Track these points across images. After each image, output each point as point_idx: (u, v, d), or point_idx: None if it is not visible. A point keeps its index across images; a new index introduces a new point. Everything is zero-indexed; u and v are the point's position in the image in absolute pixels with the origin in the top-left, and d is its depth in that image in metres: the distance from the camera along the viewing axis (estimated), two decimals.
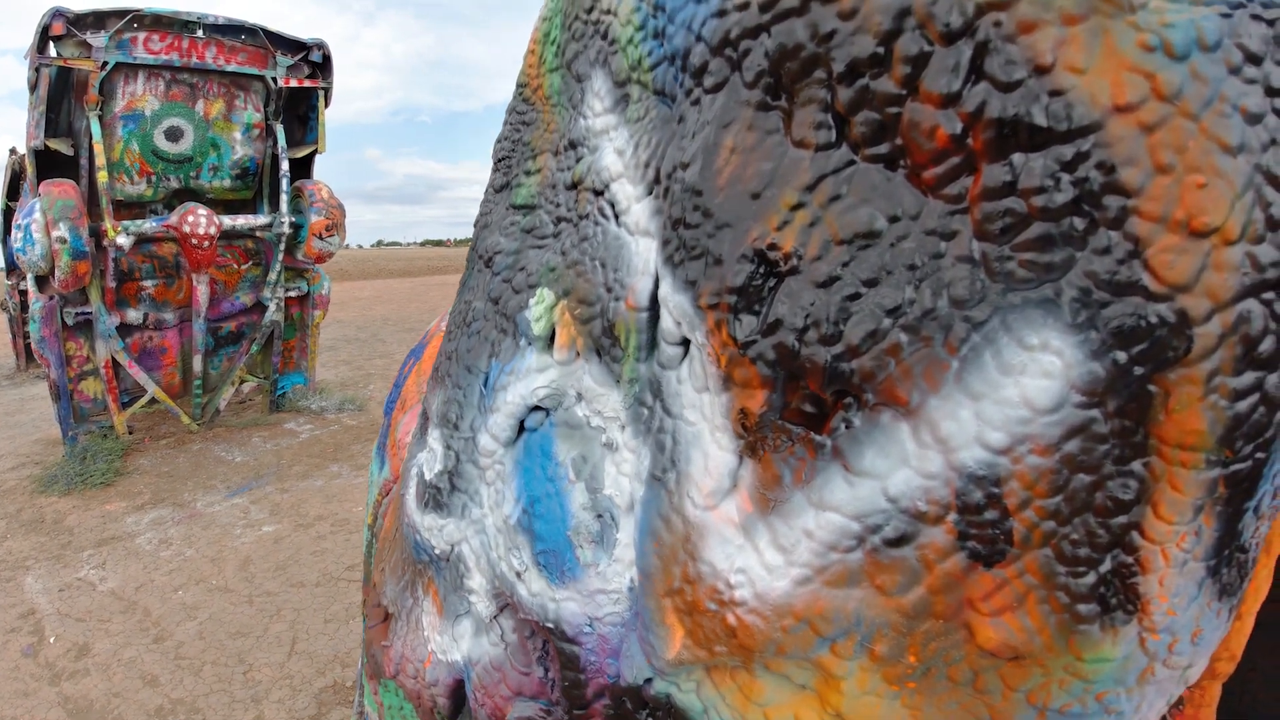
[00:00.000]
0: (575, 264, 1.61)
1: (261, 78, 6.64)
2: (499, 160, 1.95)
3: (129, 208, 6.42)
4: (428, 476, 2.01)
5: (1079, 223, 0.96)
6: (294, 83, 6.73)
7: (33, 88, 5.59)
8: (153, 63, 6.10)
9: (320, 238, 6.61)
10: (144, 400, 6.41)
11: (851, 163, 1.09)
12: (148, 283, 6.45)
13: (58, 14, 5.68)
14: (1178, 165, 0.91)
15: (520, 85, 1.91)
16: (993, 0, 0.91)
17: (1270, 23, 0.87)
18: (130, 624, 4.47)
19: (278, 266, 6.72)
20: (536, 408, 1.72)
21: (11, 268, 7.51)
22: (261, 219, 6.56)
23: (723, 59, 1.22)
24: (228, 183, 6.72)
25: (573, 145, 1.68)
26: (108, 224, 5.98)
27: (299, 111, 7.04)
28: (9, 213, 8.24)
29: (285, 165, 6.60)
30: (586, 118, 1.61)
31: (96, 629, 4.42)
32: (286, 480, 6.02)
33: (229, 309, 6.79)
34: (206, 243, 6.14)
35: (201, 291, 6.26)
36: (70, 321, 5.99)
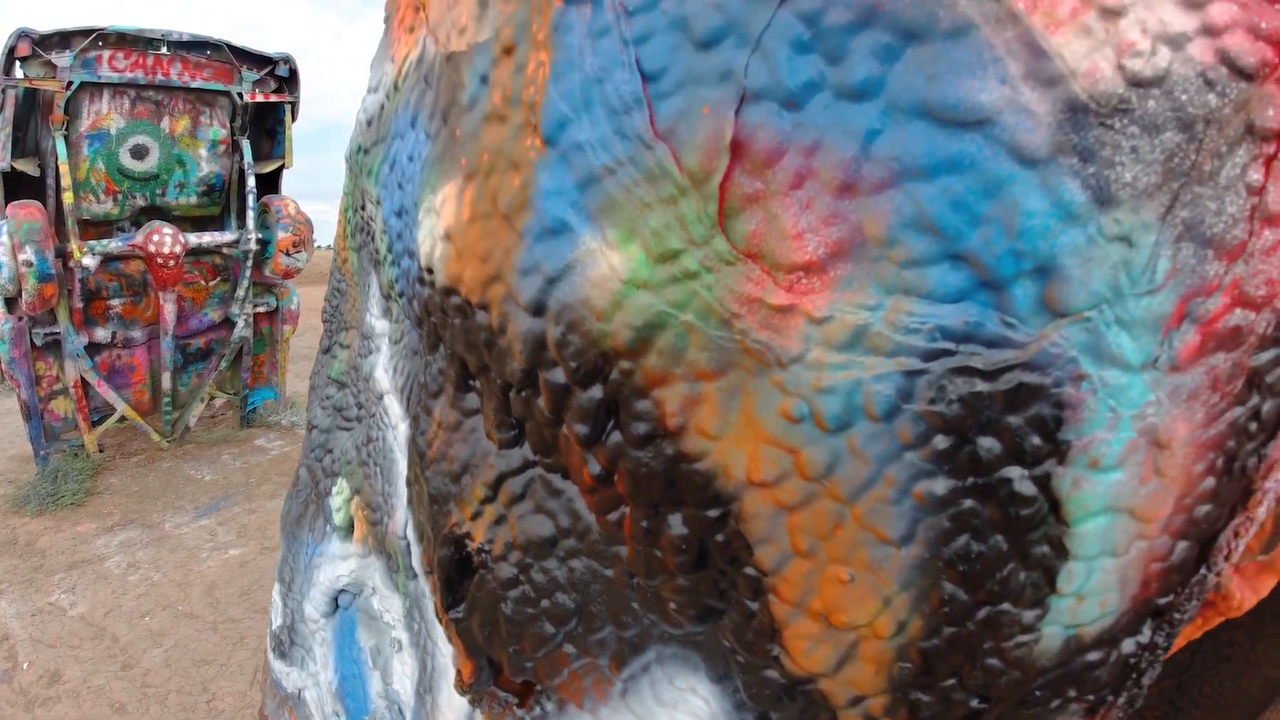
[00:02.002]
0: (364, 464, 1.63)
1: (227, 93, 6.62)
2: (325, 320, 1.96)
3: (95, 226, 6.47)
4: (273, 626, 2.06)
5: (721, 583, 0.95)
6: (260, 97, 6.70)
7: None
8: (117, 81, 6.11)
9: (287, 254, 6.64)
10: (114, 418, 6.53)
11: (532, 465, 1.09)
12: (115, 301, 6.53)
13: (23, 35, 5.68)
14: (820, 552, 0.85)
15: (336, 249, 1.91)
16: (620, 347, 0.89)
17: (986, 374, 0.74)
18: (99, 651, 4.61)
19: (245, 283, 6.76)
20: (344, 589, 1.75)
21: None
22: (228, 236, 6.59)
23: (428, 327, 1.22)
24: (194, 199, 6.74)
25: (365, 337, 1.69)
26: (74, 245, 6.03)
27: (266, 126, 7.03)
28: None
29: (251, 181, 6.61)
30: (372, 314, 1.62)
31: (67, 655, 4.56)
32: (254, 500, 6.13)
33: (197, 325, 6.85)
34: (172, 261, 6.19)
35: (169, 309, 6.33)
36: (39, 342, 6.09)
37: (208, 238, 6.47)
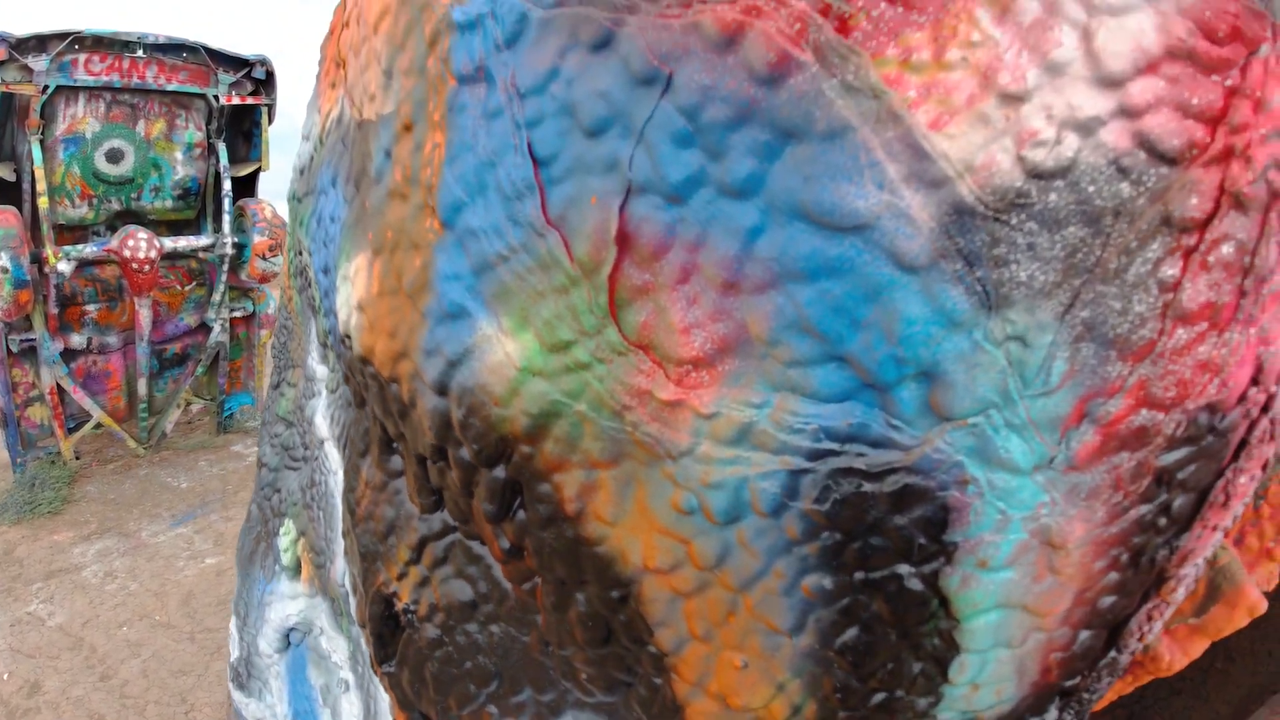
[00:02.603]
0: (308, 507, 1.62)
1: (203, 96, 6.56)
2: (274, 356, 1.94)
3: (71, 231, 6.41)
4: (232, 657, 2.06)
5: (627, 658, 0.95)
6: (236, 100, 6.64)
7: None
8: (93, 84, 6.05)
9: (263, 258, 6.59)
10: (90, 425, 6.48)
11: (453, 530, 1.09)
12: (91, 307, 6.47)
13: (0, 40, 5.62)
14: (715, 638, 0.86)
15: (283, 286, 1.89)
16: (518, 433, 0.88)
17: (870, 475, 0.74)
18: (77, 661, 4.59)
19: (221, 287, 6.71)
20: (294, 628, 1.75)
21: None
22: (203, 240, 6.54)
23: (353, 385, 1.21)
24: (170, 203, 6.68)
25: (308, 379, 1.67)
26: (49, 250, 5.98)
27: (243, 128, 6.97)
28: None
29: (227, 185, 6.55)
30: (313, 357, 1.60)
31: (46, 665, 4.54)
32: (231, 508, 6.11)
33: (173, 331, 6.80)
34: (147, 266, 6.14)
35: (144, 315, 6.28)
36: (15, 349, 6.04)
37: (183, 242, 6.42)
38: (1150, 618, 0.86)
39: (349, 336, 1.05)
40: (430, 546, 1.11)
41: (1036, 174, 0.64)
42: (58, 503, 6.04)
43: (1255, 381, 0.72)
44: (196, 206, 6.88)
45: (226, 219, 6.57)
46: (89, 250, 6.10)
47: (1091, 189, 0.64)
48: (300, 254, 1.56)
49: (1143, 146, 0.63)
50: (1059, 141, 0.63)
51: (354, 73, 1.07)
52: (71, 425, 6.51)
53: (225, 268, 6.65)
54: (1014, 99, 0.63)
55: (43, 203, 5.97)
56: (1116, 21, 0.62)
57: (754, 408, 0.73)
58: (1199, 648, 1.03)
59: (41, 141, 6.01)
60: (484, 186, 0.82)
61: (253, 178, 7.03)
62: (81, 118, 6.25)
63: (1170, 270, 0.66)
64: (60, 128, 6.18)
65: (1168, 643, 1.02)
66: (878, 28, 0.65)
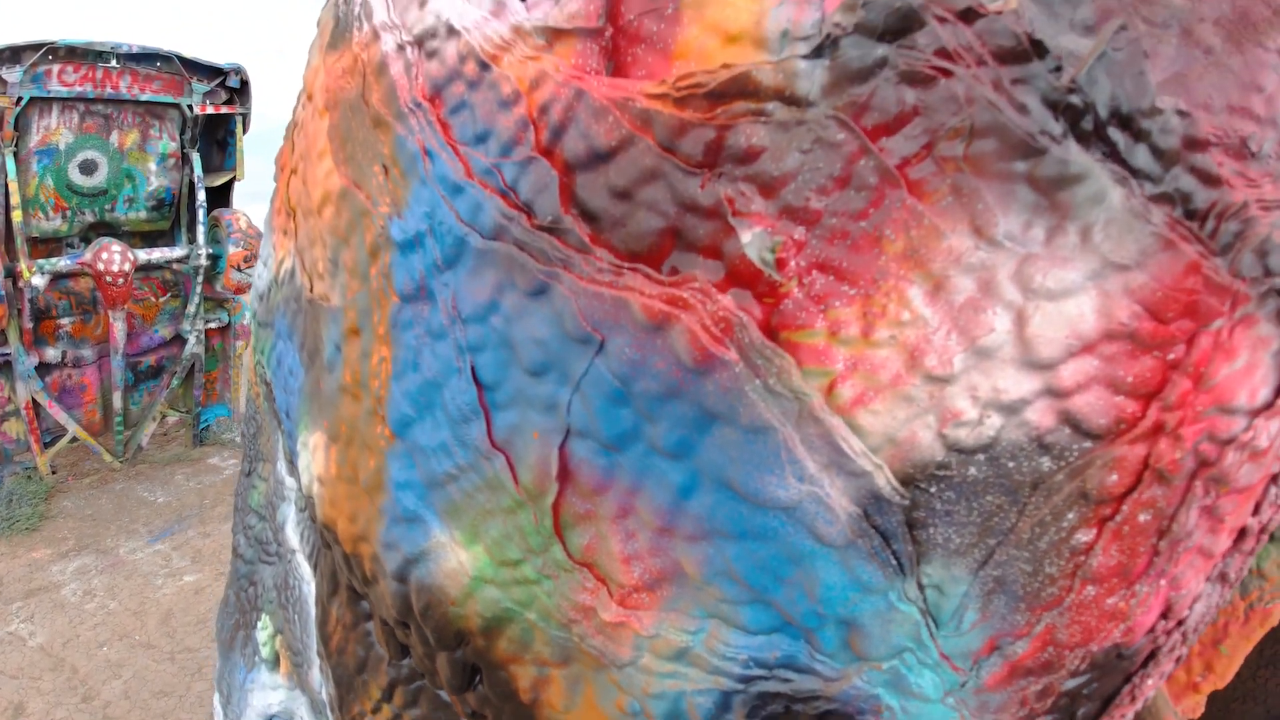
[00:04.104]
0: (284, 608, 1.66)
1: (177, 105, 6.49)
2: (244, 441, 1.97)
3: (44, 243, 6.35)
4: None
5: None
6: (210, 109, 6.58)
7: None
8: (66, 95, 5.98)
9: (239, 269, 6.55)
10: (66, 439, 6.45)
11: (421, 677, 1.13)
12: (65, 320, 6.43)
13: None
14: None
15: (249, 381, 1.91)
16: (474, 630, 0.94)
17: (795, 699, 0.79)
18: (60, 682, 4.60)
19: (196, 299, 6.68)
20: (275, 715, 1.79)
21: None
22: (178, 251, 6.49)
23: (320, 535, 1.24)
24: (144, 214, 6.63)
25: (278, 481, 1.70)
26: (23, 264, 5.93)
27: (217, 137, 6.91)
28: None
29: (202, 195, 6.51)
30: (281, 465, 1.63)
31: (29, 687, 4.56)
32: (209, 523, 6.11)
33: (148, 343, 6.77)
34: (121, 279, 6.10)
35: (118, 328, 6.24)
36: None
37: (157, 254, 6.38)
38: None
39: (313, 501, 1.09)
40: (400, 689, 1.16)
41: (958, 449, 0.68)
42: (35, 519, 6.03)
43: (1164, 616, 0.77)
44: (171, 217, 6.83)
45: (201, 230, 6.53)
46: (63, 264, 6.04)
47: (1011, 464, 0.68)
48: (264, 371, 1.59)
49: (1068, 423, 0.67)
50: (981, 422, 0.67)
51: (303, 237, 1.10)
52: (47, 440, 6.48)
53: (200, 279, 6.62)
54: (940, 381, 0.67)
55: (16, 216, 5.91)
56: (1054, 306, 0.65)
57: (689, 634, 0.78)
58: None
59: (15, 154, 5.94)
60: (431, 405, 0.86)
61: (227, 187, 6.98)
62: (55, 129, 6.18)
63: (1083, 537, 0.70)
64: (34, 139, 6.11)
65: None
66: (809, 296, 0.69)
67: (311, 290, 1.04)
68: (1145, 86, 0.64)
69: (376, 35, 0.98)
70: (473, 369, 0.83)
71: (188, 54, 6.60)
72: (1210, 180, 0.66)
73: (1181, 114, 0.65)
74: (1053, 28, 0.65)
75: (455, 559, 0.88)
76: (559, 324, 0.75)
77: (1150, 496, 0.69)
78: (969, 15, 0.64)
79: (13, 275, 6.00)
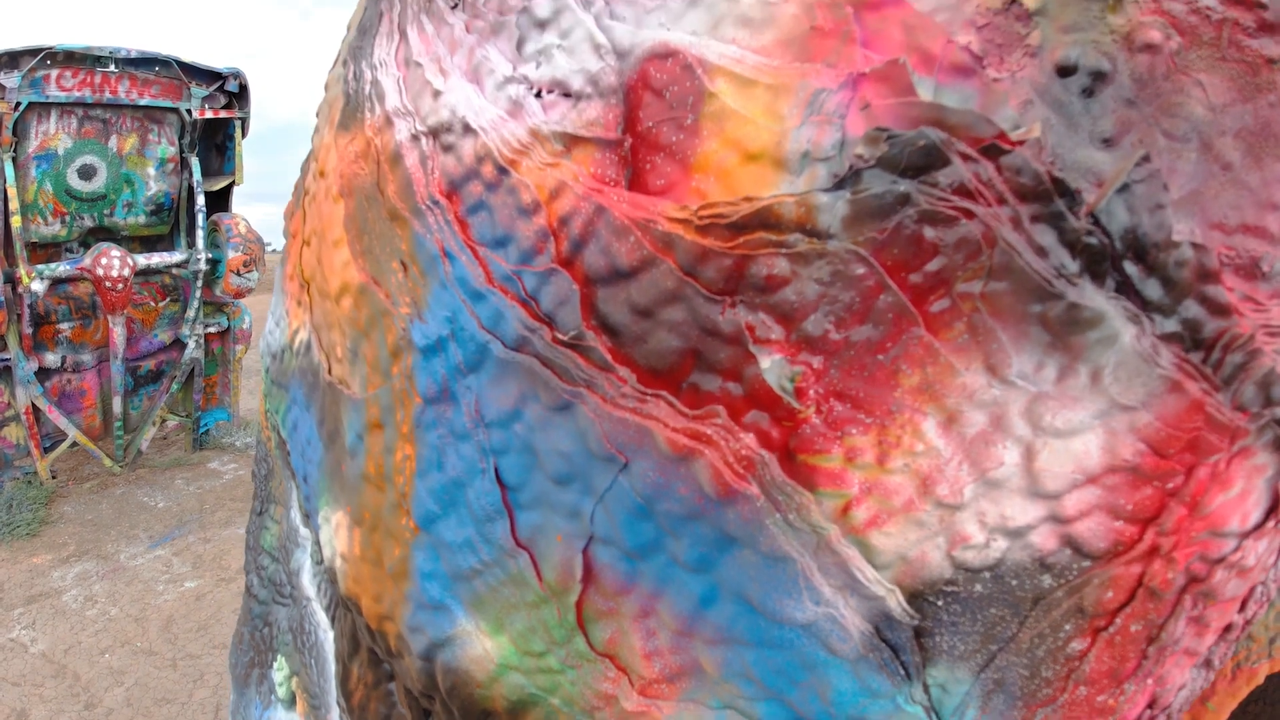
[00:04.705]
0: (300, 651, 1.69)
1: (176, 110, 6.48)
2: (255, 480, 1.99)
3: (44, 248, 6.36)
4: None
5: None
6: (209, 113, 6.57)
7: None
8: (65, 100, 5.98)
9: (238, 274, 6.56)
10: (66, 444, 6.47)
11: None
12: (64, 325, 6.43)
13: None
14: None
15: (260, 424, 1.93)
16: (499, 711, 0.97)
17: None
18: (62, 689, 4.63)
19: (196, 303, 6.68)
20: None
21: None
22: (177, 256, 6.50)
23: (341, 600, 1.26)
24: (143, 219, 6.63)
25: (292, 528, 1.72)
26: (23, 270, 5.93)
27: (216, 141, 6.90)
28: None
29: (201, 200, 6.51)
30: (295, 515, 1.65)
31: (31, 694, 4.58)
32: (209, 528, 6.14)
33: (147, 347, 6.78)
34: (121, 285, 6.11)
35: (118, 333, 6.25)
36: None
37: (156, 258, 6.38)
38: None
39: (335, 574, 1.11)
40: None
41: (965, 568, 0.71)
42: (35, 524, 6.05)
43: (1150, 707, 0.81)
44: (170, 222, 6.83)
45: (200, 234, 6.53)
46: (62, 269, 6.05)
47: (1014, 582, 0.71)
48: (277, 423, 1.61)
49: (1069, 545, 0.70)
50: (988, 545, 0.70)
51: (319, 316, 1.12)
52: (47, 445, 6.49)
53: (199, 283, 6.62)
54: (950, 507, 0.70)
55: (15, 221, 5.91)
56: (1062, 443, 0.68)
57: None
58: None
59: (13, 159, 5.93)
60: (456, 502, 0.88)
61: (226, 191, 6.97)
62: (54, 134, 6.18)
63: (1078, 646, 0.73)
64: (32, 145, 6.11)
65: None
66: (827, 423, 0.72)
67: (330, 372, 1.06)
68: (1162, 221, 0.67)
69: (390, 121, 0.99)
70: (496, 471, 0.86)
71: (186, 58, 6.58)
72: (1219, 310, 0.68)
73: (1196, 246, 0.67)
74: (1072, 141, 0.67)
75: (481, 647, 0.91)
76: (583, 440, 0.77)
77: (1142, 610, 0.73)
78: (992, 151, 0.67)
79: (12, 281, 6.01)
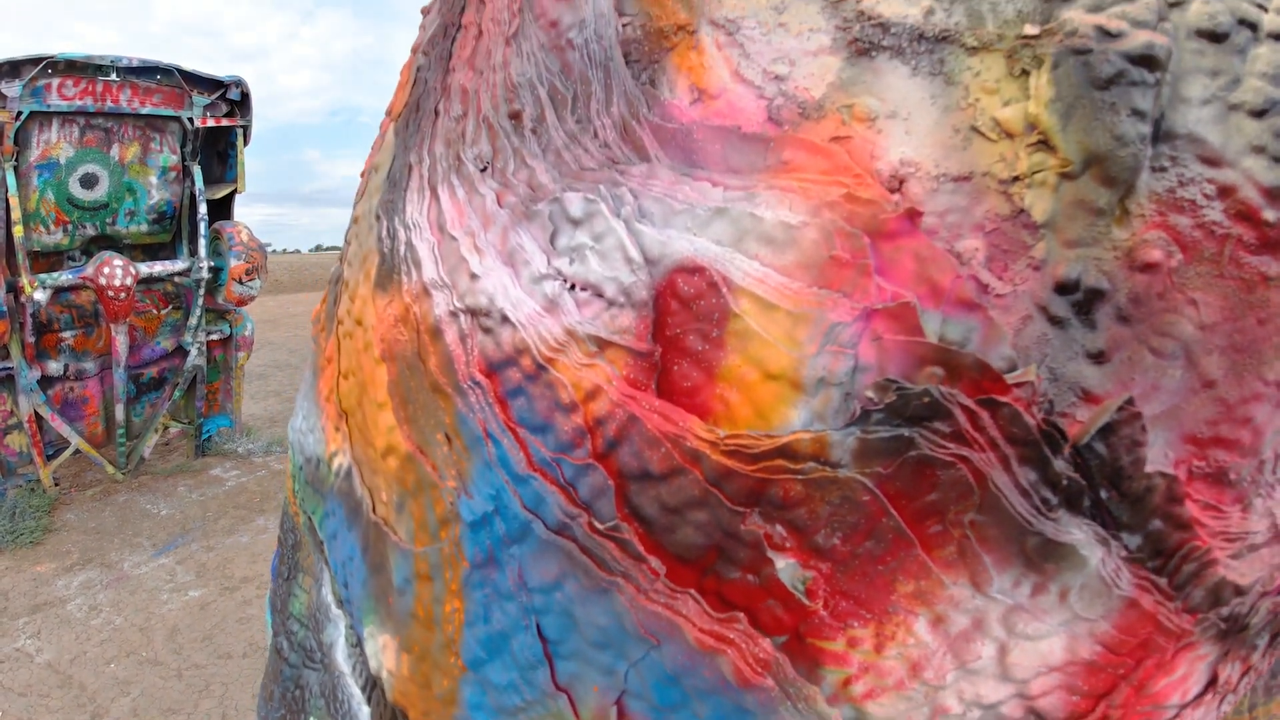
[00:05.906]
0: (332, 717, 1.80)
1: (177, 118, 6.53)
2: (281, 543, 2.09)
3: (46, 257, 6.41)
4: None
5: None
6: (211, 122, 6.62)
7: None
8: (66, 109, 6.02)
9: (240, 282, 6.63)
10: (68, 452, 6.55)
11: None
12: (67, 333, 6.50)
13: None
14: None
15: (287, 496, 2.03)
16: None
17: None
18: (68, 699, 4.73)
19: (198, 311, 6.76)
20: None
21: None
22: (179, 264, 6.56)
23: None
24: (145, 227, 6.69)
25: (323, 604, 1.83)
26: (25, 279, 5.99)
27: (218, 148, 6.95)
28: None
29: (203, 208, 6.57)
30: (323, 590, 1.75)
31: (38, 704, 4.68)
32: (212, 537, 6.23)
33: (150, 355, 6.85)
34: (124, 294, 6.17)
35: (120, 341, 6.32)
36: None
37: (159, 267, 6.45)
38: None
39: (381, 686, 1.23)
40: None
41: None
42: (39, 532, 6.13)
43: None
44: (172, 230, 6.89)
45: (202, 243, 6.59)
46: (65, 278, 6.11)
47: None
48: (308, 511, 1.71)
49: (1034, 714, 0.83)
50: (964, 715, 0.83)
51: (360, 454, 1.22)
52: (50, 452, 6.57)
53: (201, 291, 6.69)
54: (934, 687, 0.83)
55: (18, 230, 5.97)
56: (1031, 645, 0.81)
57: None
58: None
59: (15, 168, 5.98)
60: (501, 650, 1.00)
61: (228, 199, 7.03)
62: (55, 143, 6.22)
63: None
64: (34, 154, 6.15)
65: None
66: (832, 616, 0.84)
67: (375, 511, 1.17)
68: (1138, 463, 0.78)
69: (427, 292, 1.08)
70: (538, 627, 0.97)
71: (188, 67, 6.61)
72: (1181, 526, 0.80)
73: (1166, 476, 0.79)
74: (1066, 354, 0.77)
75: None
76: (619, 620, 0.89)
77: None
78: (990, 404, 0.78)
79: (14, 290, 6.07)
